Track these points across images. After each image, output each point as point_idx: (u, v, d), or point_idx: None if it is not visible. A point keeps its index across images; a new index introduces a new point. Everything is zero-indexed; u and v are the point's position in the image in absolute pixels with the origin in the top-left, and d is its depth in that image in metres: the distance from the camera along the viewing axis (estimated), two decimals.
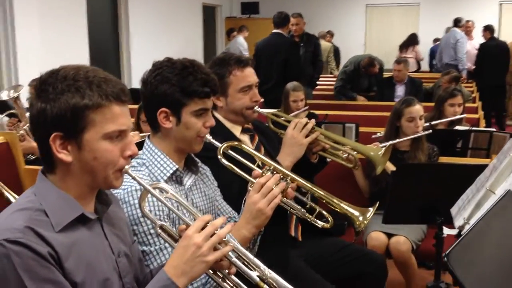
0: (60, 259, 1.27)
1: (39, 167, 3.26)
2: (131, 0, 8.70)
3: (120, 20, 8.74)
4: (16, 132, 3.58)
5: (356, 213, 1.98)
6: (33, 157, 3.78)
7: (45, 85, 1.31)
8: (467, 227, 1.67)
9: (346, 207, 1.99)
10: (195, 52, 10.62)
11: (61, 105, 1.29)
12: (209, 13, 11.86)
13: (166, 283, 1.34)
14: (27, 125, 4.02)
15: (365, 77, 6.99)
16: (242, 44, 10.06)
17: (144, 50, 8.79)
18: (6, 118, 4.19)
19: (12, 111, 4.27)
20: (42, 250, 1.24)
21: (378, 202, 2.05)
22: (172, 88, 1.77)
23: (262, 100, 5.83)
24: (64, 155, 1.32)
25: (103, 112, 1.32)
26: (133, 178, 1.43)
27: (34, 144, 3.81)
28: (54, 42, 6.89)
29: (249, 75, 2.29)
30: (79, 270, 1.30)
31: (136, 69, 8.65)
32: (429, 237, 2.92)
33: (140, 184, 1.43)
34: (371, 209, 1.98)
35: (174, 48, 9.41)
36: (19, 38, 6.38)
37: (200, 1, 11.21)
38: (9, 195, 2.31)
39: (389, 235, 2.99)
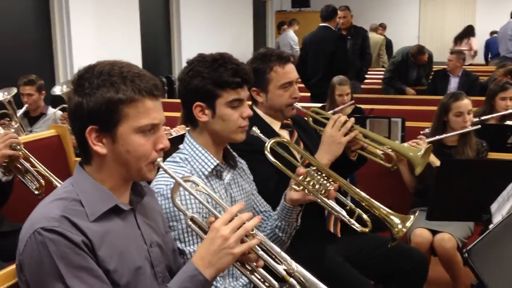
0: (94, 247, 1.32)
1: None
2: None
3: (171, 16, 8.89)
4: (67, 126, 3.71)
5: (397, 220, 1.92)
6: None
7: (82, 80, 1.37)
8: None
9: (386, 213, 1.94)
10: (245, 46, 10.67)
11: (97, 99, 1.34)
12: (259, 7, 11.87)
13: (193, 273, 1.37)
14: None
15: (413, 68, 6.83)
16: (292, 38, 10.01)
17: (195, 45, 8.91)
18: (60, 112, 4.36)
19: (65, 105, 4.44)
20: (77, 238, 1.29)
21: (417, 212, 2.00)
22: (204, 81, 1.80)
23: (308, 94, 5.84)
24: (99, 148, 1.37)
25: (136, 106, 1.36)
26: (165, 171, 1.46)
27: None
28: (107, 37, 7.09)
29: (290, 72, 2.30)
30: (112, 259, 1.35)
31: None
32: (476, 234, 2.84)
33: (172, 177, 1.47)
34: (411, 217, 1.92)
35: (224, 42, 9.50)
36: (74, 34, 6.61)
37: None
38: (58, 183, 2.41)
39: (434, 232, 2.93)
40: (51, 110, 4.52)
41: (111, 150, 1.38)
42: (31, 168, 2.46)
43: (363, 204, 1.95)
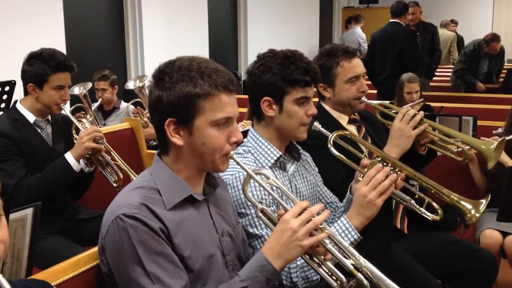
0: (170, 234, 1.40)
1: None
2: None
3: (238, 13, 9.00)
4: (139, 119, 3.87)
5: (468, 205, 1.89)
6: (155, 143, 4.06)
7: (162, 74, 1.44)
8: None
9: (456, 198, 1.91)
10: (311, 43, 10.65)
11: (176, 93, 1.41)
12: (326, 4, 11.78)
13: (263, 263, 1.41)
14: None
15: (485, 59, 6.58)
16: (360, 36, 9.86)
17: (261, 42, 8.98)
18: (132, 107, 4.54)
19: (138, 99, 4.62)
20: (155, 225, 1.37)
21: (490, 195, 1.95)
22: (275, 77, 1.84)
23: (375, 91, 5.76)
24: (177, 139, 1.44)
25: (213, 101, 1.42)
26: (237, 163, 1.51)
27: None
28: (176, 35, 7.30)
29: (357, 66, 2.30)
30: (187, 246, 1.42)
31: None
32: None
33: (243, 169, 1.51)
34: (483, 201, 1.87)
35: (290, 39, 9.51)
36: (146, 34, 6.87)
37: None
38: (134, 177, 2.52)
39: (504, 234, 2.84)
40: (123, 104, 4.71)
41: (188, 142, 1.45)
42: (112, 162, 2.59)
43: (432, 191, 1.93)
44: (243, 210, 1.76)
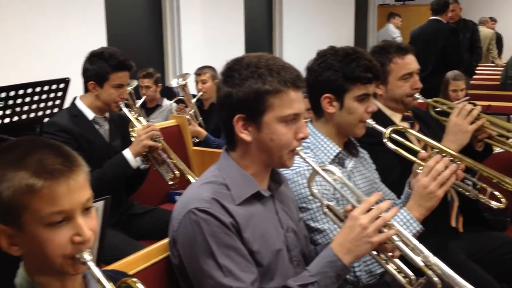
0: (240, 229, 1.42)
1: (205, 149, 3.55)
2: None
3: (274, 13, 9.01)
4: (186, 116, 3.91)
5: None
6: (197, 140, 4.10)
7: (231, 71, 1.46)
8: None
9: None
10: (346, 42, 10.57)
11: (245, 89, 1.43)
12: (361, 1, 11.69)
13: (333, 259, 1.42)
14: (193, 110, 4.39)
15: None
16: (393, 32, 9.73)
17: (296, 41, 8.99)
18: (175, 104, 4.60)
19: (180, 97, 4.68)
20: (226, 220, 1.39)
21: None
22: (336, 74, 1.84)
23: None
24: (245, 135, 1.46)
25: (281, 97, 1.44)
26: (304, 160, 1.53)
27: (199, 128, 4.15)
28: (213, 35, 7.38)
29: (410, 62, 2.29)
30: (255, 241, 1.44)
31: (288, 60, 8.84)
32: None
33: (310, 165, 1.53)
34: None
35: (325, 37, 9.45)
36: (184, 33, 6.97)
37: None
38: (191, 177, 2.55)
39: None
40: (166, 102, 4.77)
41: (256, 137, 1.47)
42: (168, 160, 2.63)
43: (494, 181, 1.91)
44: (304, 205, 1.77)
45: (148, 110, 4.76)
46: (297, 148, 1.50)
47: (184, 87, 4.53)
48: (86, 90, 2.64)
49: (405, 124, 2.34)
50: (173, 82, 4.73)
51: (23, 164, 1.02)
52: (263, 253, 1.45)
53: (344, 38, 10.53)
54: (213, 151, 3.55)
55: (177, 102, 4.64)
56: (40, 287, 1.08)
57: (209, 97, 4.48)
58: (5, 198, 1.01)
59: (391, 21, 9.98)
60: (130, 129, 2.67)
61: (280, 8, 8.97)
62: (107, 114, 2.71)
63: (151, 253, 1.56)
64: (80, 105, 2.64)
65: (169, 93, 5.29)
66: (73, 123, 2.56)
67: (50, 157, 1.04)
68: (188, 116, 4.30)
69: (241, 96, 1.43)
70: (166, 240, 1.54)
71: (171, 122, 3.53)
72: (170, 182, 2.63)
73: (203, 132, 4.15)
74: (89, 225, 1.07)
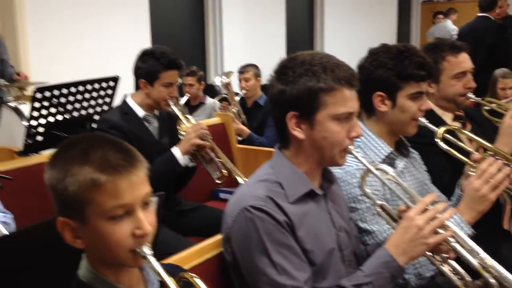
0: (294, 227, 1.42)
1: (249, 147, 3.57)
2: None
3: (315, 11, 8.97)
4: (230, 114, 3.94)
5: None
6: (240, 138, 4.13)
7: (285, 69, 1.46)
8: None
9: None
10: (389, 39, 10.42)
11: (299, 87, 1.42)
12: None
13: (388, 259, 1.41)
14: (236, 108, 4.42)
15: None
16: (452, 29, 9.45)
17: (338, 39, 8.92)
18: (218, 102, 4.64)
19: (223, 95, 4.71)
20: (280, 218, 1.40)
21: None
22: (388, 72, 1.82)
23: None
24: (298, 133, 1.46)
25: (335, 95, 1.43)
26: (356, 158, 1.52)
27: (242, 126, 4.17)
28: (255, 34, 7.43)
29: (464, 61, 2.25)
30: (309, 239, 1.44)
31: None
32: None
33: (363, 164, 1.52)
34: None
35: (367, 35, 9.36)
36: (225, 32, 7.05)
37: None
38: (238, 176, 2.57)
39: None
40: (209, 100, 4.81)
41: (309, 135, 1.46)
42: (216, 159, 2.65)
43: None
44: (353, 205, 1.75)
45: (192, 108, 4.81)
46: (350, 147, 1.49)
47: (227, 85, 4.55)
48: (137, 87, 2.68)
49: (457, 124, 2.30)
50: (217, 80, 4.76)
51: (87, 160, 1.04)
52: (316, 252, 1.45)
53: (387, 35, 10.39)
54: (257, 149, 3.57)
55: (221, 100, 4.67)
56: (102, 276, 1.11)
57: (252, 95, 4.50)
58: (70, 192, 1.04)
59: (450, 17, 9.72)
60: (178, 127, 2.70)
61: (322, 5, 8.93)
62: (156, 112, 2.75)
63: (204, 249, 1.58)
64: (131, 102, 2.68)
65: (211, 91, 5.34)
66: (124, 120, 2.60)
67: (112, 152, 1.07)
68: (231, 114, 4.34)
69: (294, 94, 1.43)
70: (219, 237, 1.56)
71: (215, 120, 3.55)
72: (218, 181, 2.64)
73: (246, 130, 4.17)
74: (149, 219, 1.10)
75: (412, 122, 1.87)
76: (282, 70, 1.47)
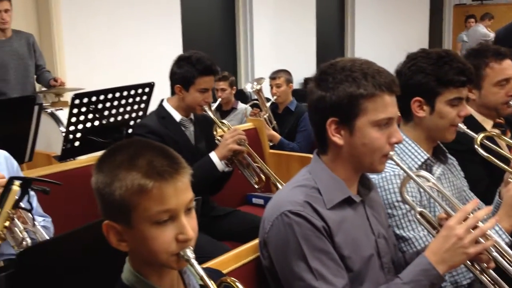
0: (332, 233, 1.42)
1: (281, 152, 3.57)
2: None
3: (346, 16, 8.94)
4: (263, 120, 3.95)
5: None
6: (271, 144, 4.13)
7: (325, 75, 1.46)
8: None
9: None
10: (421, 43, 10.32)
11: (339, 93, 1.42)
12: (436, 2, 11.35)
13: (427, 267, 1.39)
14: (267, 114, 4.43)
15: None
16: (485, 35, 9.29)
17: (368, 44, 8.87)
18: (250, 108, 4.65)
19: (255, 101, 4.73)
20: (318, 223, 1.40)
21: None
22: (427, 77, 1.80)
23: None
24: (338, 139, 1.46)
25: (375, 101, 1.42)
26: (397, 165, 1.50)
27: (273, 131, 4.18)
28: (285, 41, 7.47)
29: (508, 68, 2.22)
30: (347, 245, 1.44)
31: None
32: None
33: (404, 171, 1.50)
34: None
35: (398, 40, 9.31)
36: (256, 38, 7.11)
37: None
38: (277, 182, 2.57)
39: None
40: (241, 105, 4.83)
41: (348, 141, 1.46)
42: (253, 164, 2.66)
43: None
44: (389, 211, 1.74)
45: (223, 113, 4.83)
46: (390, 153, 1.48)
47: (259, 91, 4.57)
48: (173, 92, 2.71)
49: (496, 131, 2.26)
50: (248, 86, 4.79)
51: (135, 165, 1.06)
52: (354, 258, 1.44)
53: (418, 39, 10.29)
54: (289, 154, 3.57)
55: (252, 106, 4.69)
56: (145, 279, 1.13)
57: (283, 100, 4.51)
58: (117, 196, 1.06)
59: (483, 22, 9.54)
60: (214, 132, 2.72)
61: (352, 10, 8.89)
62: (192, 116, 2.77)
63: (241, 254, 1.59)
64: (168, 106, 2.71)
65: (242, 96, 5.37)
66: (162, 125, 2.63)
67: (159, 159, 1.08)
68: (262, 120, 4.35)
69: (334, 100, 1.43)
70: (256, 241, 1.57)
71: (248, 125, 3.57)
72: (256, 186, 2.65)
73: (277, 136, 4.17)
74: (191, 225, 1.12)
75: (450, 128, 1.85)
76: (322, 77, 1.47)
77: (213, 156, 2.57)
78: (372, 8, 9.10)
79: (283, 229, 1.41)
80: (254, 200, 3.29)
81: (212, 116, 2.74)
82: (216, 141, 2.66)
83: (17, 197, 1.64)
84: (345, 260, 1.43)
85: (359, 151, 1.46)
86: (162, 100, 2.77)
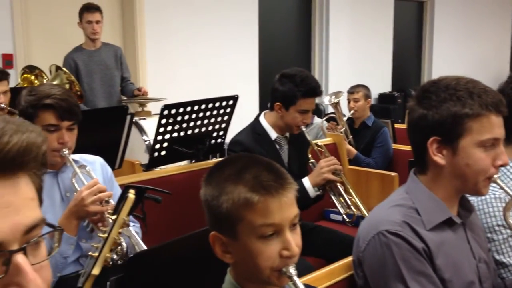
0: (432, 255, 1.38)
1: (360, 168, 3.51)
2: (438, 5, 8.62)
3: (424, 30, 8.74)
4: (342, 135, 3.91)
5: None
6: (348, 158, 4.08)
7: (427, 93, 1.43)
8: None
9: None
10: (503, 59, 9.93)
11: (443, 112, 1.39)
12: None
13: None
14: (344, 128, 4.38)
15: None
16: None
17: (447, 59, 8.63)
18: (326, 122, 4.62)
19: (332, 115, 4.69)
20: (418, 245, 1.36)
21: None
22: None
23: None
24: (439, 158, 1.42)
25: (481, 121, 1.38)
26: (502, 188, 1.45)
27: (349, 146, 4.12)
28: (361, 53, 7.43)
29: None
30: (447, 269, 1.39)
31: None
32: None
33: (509, 195, 1.44)
34: None
35: (478, 55, 9.00)
36: (331, 52, 7.11)
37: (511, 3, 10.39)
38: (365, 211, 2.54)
39: None
40: (317, 120, 4.80)
41: (450, 162, 1.42)
42: (344, 194, 2.59)
43: None
44: (489, 235, 1.67)
45: None
46: (494, 176, 1.43)
47: (336, 105, 4.54)
48: (272, 108, 2.65)
49: None
50: (326, 100, 4.77)
51: (242, 179, 1.09)
52: (455, 282, 1.39)
53: (499, 57, 9.89)
54: (369, 171, 3.51)
55: (328, 120, 4.65)
56: None
57: (360, 115, 4.45)
58: (224, 209, 1.08)
59: None
60: (309, 154, 2.68)
61: (431, 25, 8.68)
62: (287, 134, 2.71)
63: (334, 271, 1.57)
64: (264, 123, 2.66)
65: (317, 110, 5.34)
66: (256, 142, 2.59)
67: (265, 174, 1.10)
68: (339, 134, 4.30)
69: (437, 119, 1.40)
70: (349, 259, 1.55)
71: (327, 140, 3.54)
72: (345, 218, 2.58)
73: (353, 151, 4.12)
74: (296, 241, 1.12)
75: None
76: (424, 95, 1.44)
77: (306, 181, 2.50)
78: (451, 25, 8.84)
79: (380, 249, 1.38)
80: (332, 216, 3.26)
81: (308, 138, 2.68)
82: (310, 164, 2.62)
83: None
84: (446, 283, 1.38)
85: (462, 171, 1.41)
86: (258, 115, 2.75)
